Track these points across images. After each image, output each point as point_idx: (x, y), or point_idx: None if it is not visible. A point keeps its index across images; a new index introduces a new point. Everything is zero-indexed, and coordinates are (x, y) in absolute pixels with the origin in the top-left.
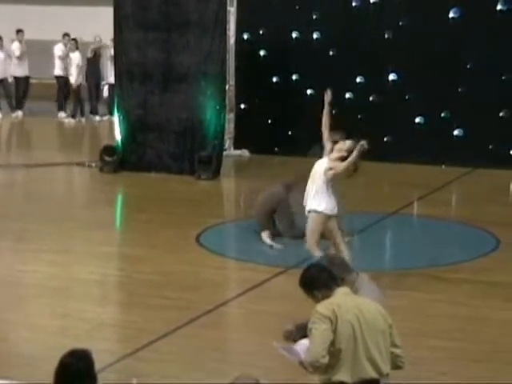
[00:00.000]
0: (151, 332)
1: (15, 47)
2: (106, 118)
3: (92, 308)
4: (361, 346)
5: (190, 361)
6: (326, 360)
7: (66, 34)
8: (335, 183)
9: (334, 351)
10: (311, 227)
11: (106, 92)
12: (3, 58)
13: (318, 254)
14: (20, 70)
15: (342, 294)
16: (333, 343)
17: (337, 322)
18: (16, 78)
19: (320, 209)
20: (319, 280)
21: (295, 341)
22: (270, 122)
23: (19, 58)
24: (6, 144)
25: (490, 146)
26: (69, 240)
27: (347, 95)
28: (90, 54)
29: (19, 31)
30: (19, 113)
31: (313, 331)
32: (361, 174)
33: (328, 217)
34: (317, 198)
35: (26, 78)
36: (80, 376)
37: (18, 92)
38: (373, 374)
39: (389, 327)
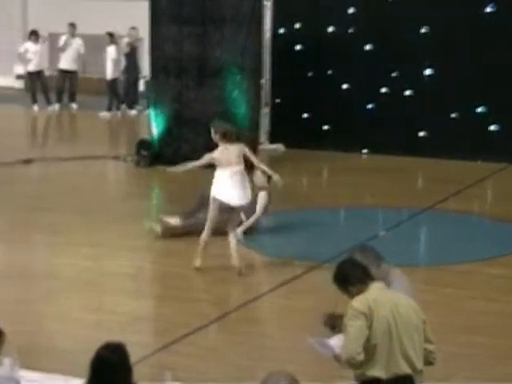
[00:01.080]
0: (184, 326)
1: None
2: (146, 112)
3: (125, 301)
4: (396, 342)
5: (222, 355)
6: (361, 357)
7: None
8: None
9: (368, 347)
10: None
11: (141, 86)
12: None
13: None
14: (62, 64)
15: (377, 289)
16: (368, 339)
17: (372, 317)
18: (58, 71)
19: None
20: (353, 275)
21: (333, 328)
22: (305, 116)
23: (60, 50)
24: (42, 137)
25: None
26: (103, 233)
27: (383, 90)
28: (126, 49)
29: (70, 24)
30: (56, 106)
31: (348, 328)
32: (396, 169)
33: None
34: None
35: (69, 72)
36: (116, 369)
37: (59, 85)
38: (407, 370)
39: (422, 322)
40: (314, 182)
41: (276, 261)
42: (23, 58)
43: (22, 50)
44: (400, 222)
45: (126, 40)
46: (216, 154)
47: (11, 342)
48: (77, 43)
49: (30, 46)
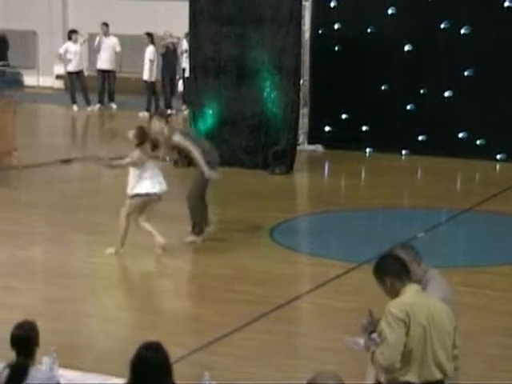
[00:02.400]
0: (223, 325)
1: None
2: (186, 112)
3: (164, 301)
4: (429, 348)
5: (262, 355)
6: (399, 364)
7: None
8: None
9: (404, 352)
10: None
11: (180, 86)
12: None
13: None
14: (99, 64)
15: (413, 293)
16: (404, 344)
17: (410, 323)
18: (97, 72)
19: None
20: (392, 267)
21: (371, 332)
22: (344, 117)
23: (95, 50)
24: (81, 137)
25: None
26: (141, 233)
27: (422, 91)
28: (161, 50)
29: (102, 24)
30: (96, 106)
31: (387, 334)
32: (435, 170)
33: None
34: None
35: (107, 72)
36: (159, 369)
37: (98, 85)
38: (439, 376)
39: (454, 329)
40: (353, 183)
41: (315, 261)
42: (63, 59)
43: (61, 50)
44: (439, 223)
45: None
46: None
47: (50, 341)
48: (112, 42)
49: (70, 46)
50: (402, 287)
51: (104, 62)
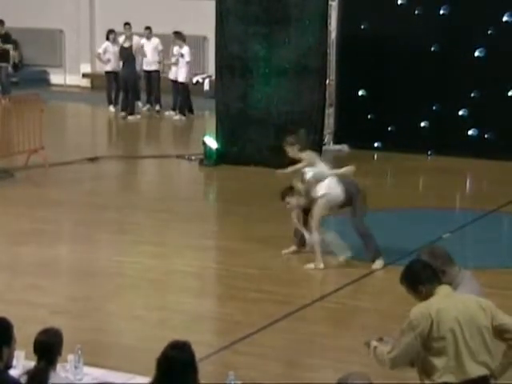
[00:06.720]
0: (248, 325)
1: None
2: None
3: (189, 300)
4: (463, 349)
5: (286, 355)
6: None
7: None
8: None
9: (434, 354)
10: None
11: (206, 86)
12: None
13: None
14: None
15: (442, 297)
16: (431, 348)
17: (432, 327)
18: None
19: None
20: (424, 275)
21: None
22: (369, 117)
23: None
24: (107, 136)
25: None
26: (167, 232)
27: (448, 91)
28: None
29: (125, 24)
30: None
31: (402, 338)
32: (461, 170)
33: None
34: None
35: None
36: (185, 368)
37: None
38: (480, 373)
39: (491, 318)
40: (378, 183)
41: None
42: (102, 58)
43: (100, 50)
44: (465, 224)
45: None
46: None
47: (76, 339)
48: (154, 43)
49: (109, 46)
50: (434, 290)
51: (145, 63)
